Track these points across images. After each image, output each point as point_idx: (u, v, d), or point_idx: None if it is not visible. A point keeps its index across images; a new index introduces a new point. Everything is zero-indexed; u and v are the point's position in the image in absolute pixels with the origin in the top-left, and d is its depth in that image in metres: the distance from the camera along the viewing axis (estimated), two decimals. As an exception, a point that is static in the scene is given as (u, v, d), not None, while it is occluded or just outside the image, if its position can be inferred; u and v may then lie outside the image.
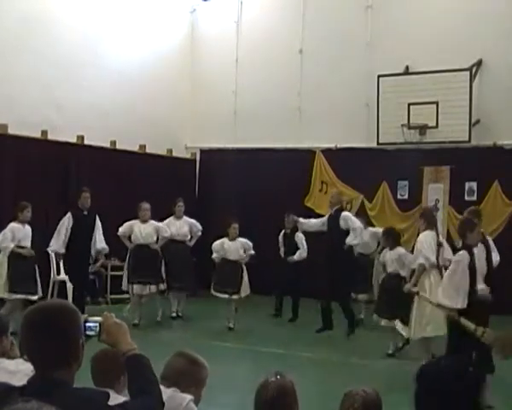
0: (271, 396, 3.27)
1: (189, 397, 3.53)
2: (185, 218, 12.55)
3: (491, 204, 13.52)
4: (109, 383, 3.45)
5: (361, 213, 13.43)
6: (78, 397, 2.43)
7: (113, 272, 13.74)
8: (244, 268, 11.76)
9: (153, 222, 11.99)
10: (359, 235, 10.98)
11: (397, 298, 8.90)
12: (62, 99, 13.39)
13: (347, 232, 10.90)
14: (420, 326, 8.47)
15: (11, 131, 12.58)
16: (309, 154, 15.26)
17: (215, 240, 12.00)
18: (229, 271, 11.60)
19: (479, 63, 13.75)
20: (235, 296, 11.58)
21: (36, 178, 12.75)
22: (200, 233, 12.60)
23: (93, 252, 11.69)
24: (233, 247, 11.71)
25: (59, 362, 2.46)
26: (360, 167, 14.37)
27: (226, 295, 11.59)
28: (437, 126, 13.63)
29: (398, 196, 14.49)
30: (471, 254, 7.03)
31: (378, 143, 14.30)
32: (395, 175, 14.34)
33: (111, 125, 14.31)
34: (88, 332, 2.66)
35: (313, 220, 11.62)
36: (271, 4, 16.05)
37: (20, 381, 2.62)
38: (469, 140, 13.49)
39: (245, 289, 11.67)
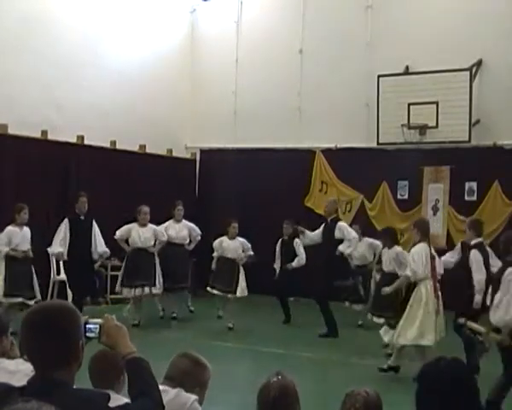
0: (273, 396, 3.28)
1: (193, 397, 3.56)
2: (184, 221, 12.54)
3: (491, 204, 13.52)
4: (108, 383, 3.45)
5: (359, 219, 13.45)
6: (78, 398, 2.43)
7: (113, 272, 13.74)
8: (241, 269, 11.74)
9: (151, 226, 11.97)
10: (353, 245, 11.14)
11: (391, 298, 8.88)
12: (62, 99, 13.39)
13: (342, 241, 11.09)
14: (405, 333, 8.43)
15: (11, 131, 12.58)
16: (309, 154, 15.26)
17: (215, 240, 12.02)
18: (226, 269, 11.63)
19: (479, 63, 13.74)
20: (230, 295, 11.54)
21: (36, 178, 12.75)
22: (199, 238, 12.57)
23: (95, 256, 11.62)
24: (232, 245, 11.76)
25: (59, 362, 2.46)
26: (360, 167, 14.37)
27: (221, 293, 11.57)
28: (437, 126, 13.63)
29: (398, 196, 14.49)
30: None
31: (378, 143, 14.30)
32: (395, 175, 14.34)
33: (111, 125, 14.31)
34: (88, 334, 2.66)
35: (312, 234, 11.55)
36: (271, 4, 16.05)
37: (19, 381, 2.62)
38: (469, 140, 13.49)
39: (242, 290, 11.63)
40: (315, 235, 11.49)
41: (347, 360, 9.68)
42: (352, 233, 11.09)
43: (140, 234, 11.80)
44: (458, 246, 9.80)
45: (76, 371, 2.53)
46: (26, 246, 10.75)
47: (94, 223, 11.48)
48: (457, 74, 13.49)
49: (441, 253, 13.27)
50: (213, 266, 12.07)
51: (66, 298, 11.81)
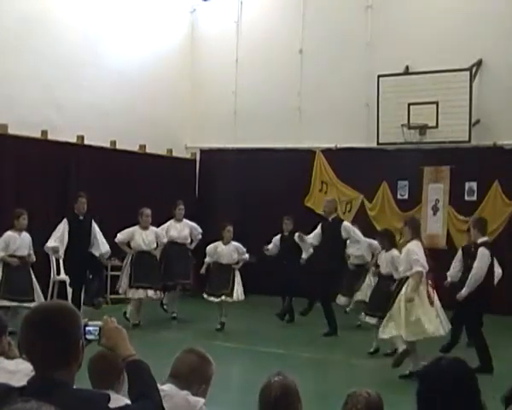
0: (275, 396, 3.29)
1: (202, 401, 3.57)
2: (185, 221, 12.55)
3: (491, 204, 13.52)
4: (108, 383, 3.45)
5: (359, 218, 13.44)
6: (78, 398, 2.43)
7: (113, 272, 13.74)
8: (238, 273, 11.70)
9: (153, 228, 11.97)
10: (363, 247, 11.29)
11: (387, 300, 8.87)
12: (62, 99, 13.39)
13: (345, 241, 11.11)
14: (411, 329, 8.45)
15: (11, 131, 12.57)
16: (309, 154, 15.26)
17: (215, 240, 11.99)
18: (221, 274, 11.56)
19: (479, 63, 13.74)
20: (227, 299, 11.46)
21: (36, 178, 12.75)
22: (200, 237, 12.59)
23: (97, 255, 11.64)
24: (226, 250, 11.66)
25: (59, 363, 2.46)
26: (360, 167, 14.37)
27: (217, 299, 11.48)
28: (437, 126, 13.63)
29: (398, 196, 14.48)
30: None
31: (378, 143, 14.30)
32: (395, 175, 14.34)
33: (111, 125, 14.30)
34: (88, 336, 2.66)
35: (311, 236, 11.54)
36: (271, 4, 16.05)
37: (19, 381, 2.62)
38: (469, 140, 13.49)
39: (238, 294, 11.57)
40: (312, 238, 11.47)
41: (347, 360, 9.69)
42: (361, 235, 11.16)
43: (144, 237, 11.79)
44: (459, 253, 9.79)
45: (76, 372, 2.53)
46: (24, 251, 10.72)
47: (93, 223, 11.48)
48: (457, 74, 13.49)
49: (441, 253, 13.36)
50: (203, 270, 11.97)
51: (66, 298, 11.80)
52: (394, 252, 9.56)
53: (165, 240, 12.11)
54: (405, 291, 8.43)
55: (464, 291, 8.67)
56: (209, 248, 11.86)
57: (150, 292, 11.67)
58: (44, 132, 13.21)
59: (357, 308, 11.76)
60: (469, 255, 9.05)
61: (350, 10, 15.00)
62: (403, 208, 14.28)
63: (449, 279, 9.71)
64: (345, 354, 9.96)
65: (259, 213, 14.88)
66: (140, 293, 11.63)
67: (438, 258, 12.37)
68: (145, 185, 14.44)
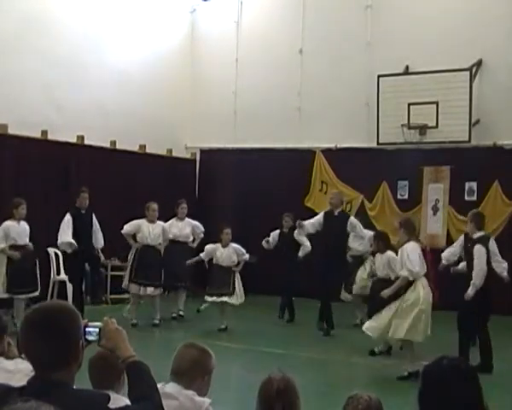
0: (277, 389, 3.28)
1: (207, 401, 3.60)
2: (188, 219, 12.55)
3: (491, 204, 13.52)
4: (108, 383, 3.46)
5: (360, 214, 13.42)
6: (77, 398, 2.43)
7: (113, 272, 13.75)
8: (238, 275, 11.67)
9: (160, 223, 11.96)
10: (366, 244, 11.27)
11: (386, 301, 8.86)
12: (62, 99, 13.39)
13: (348, 235, 11.13)
14: (399, 328, 8.46)
15: (11, 131, 12.58)
16: (309, 154, 15.26)
17: (215, 241, 11.98)
18: (221, 275, 11.52)
19: (479, 63, 13.75)
20: (228, 299, 11.39)
21: (36, 178, 12.75)
22: (202, 235, 12.58)
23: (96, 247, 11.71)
24: (225, 254, 11.62)
25: (59, 363, 2.46)
26: (360, 167, 14.37)
27: (218, 299, 11.45)
28: (437, 126, 13.63)
29: (398, 196, 14.49)
30: None
31: (378, 143, 14.30)
32: (395, 175, 14.34)
33: (111, 125, 14.31)
34: (88, 337, 2.66)
35: (310, 222, 11.52)
36: (271, 4, 16.05)
37: (19, 381, 2.62)
38: (469, 140, 13.49)
39: (238, 296, 11.51)
40: (312, 224, 11.39)
41: (347, 359, 9.68)
42: (364, 230, 11.17)
43: (150, 230, 11.77)
44: (461, 238, 9.69)
45: (76, 372, 2.53)
46: (25, 240, 10.71)
47: (94, 216, 11.51)
48: (457, 74, 13.49)
49: (441, 253, 13.34)
50: (209, 274, 11.91)
51: (67, 298, 11.81)
52: (390, 254, 9.53)
53: (170, 235, 12.10)
54: (411, 292, 8.43)
55: (470, 290, 8.62)
56: (208, 246, 11.85)
57: (149, 289, 11.65)
58: (44, 132, 13.22)
59: (356, 302, 11.82)
60: (467, 249, 9.02)
61: (350, 10, 15.01)
62: (403, 208, 14.28)
63: (444, 262, 9.61)
64: (345, 354, 9.95)
65: (259, 213, 14.88)
66: (135, 288, 11.61)
67: (438, 258, 12.45)
68: (145, 185, 14.45)
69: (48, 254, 12.38)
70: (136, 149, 15.09)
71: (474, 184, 13.79)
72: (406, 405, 5.75)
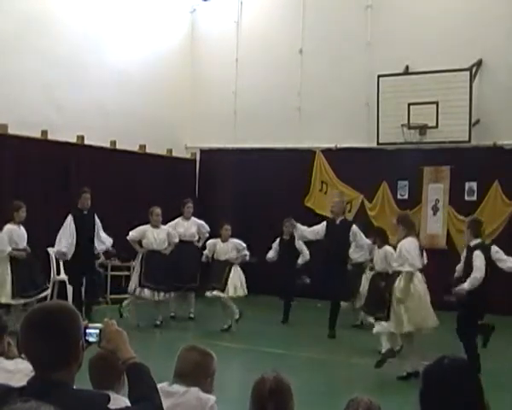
0: (269, 388, 3.28)
1: (213, 398, 3.62)
2: (193, 219, 12.56)
3: (491, 204, 13.52)
4: (109, 383, 3.46)
5: (359, 218, 13.44)
6: (77, 398, 2.43)
7: (113, 272, 13.75)
8: (238, 268, 11.67)
9: (164, 228, 11.93)
10: (366, 252, 11.22)
11: (384, 297, 8.88)
12: (62, 99, 13.39)
13: (350, 244, 11.15)
14: (401, 323, 8.48)
15: (11, 131, 12.58)
16: (309, 154, 15.26)
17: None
18: (217, 270, 11.56)
19: (479, 63, 13.74)
20: (218, 293, 11.41)
21: (36, 178, 12.75)
22: (208, 234, 12.53)
23: (100, 248, 11.68)
24: (224, 248, 11.67)
25: (59, 363, 2.46)
26: (360, 167, 14.37)
27: (210, 294, 11.47)
28: (437, 126, 13.63)
29: (398, 196, 14.48)
30: None
31: (378, 143, 14.30)
32: (395, 175, 14.34)
33: (111, 125, 14.31)
34: (88, 338, 2.66)
35: (309, 229, 11.49)
36: (271, 4, 16.05)
37: (19, 381, 2.62)
38: (469, 140, 13.49)
39: (235, 290, 11.49)
40: (310, 232, 11.41)
41: (348, 360, 9.69)
42: (365, 240, 11.13)
43: (155, 236, 11.75)
44: (464, 253, 9.72)
45: (76, 372, 2.53)
46: (23, 244, 10.68)
47: (96, 217, 11.50)
48: (457, 74, 13.49)
49: (441, 253, 13.36)
50: (204, 258, 11.99)
51: (67, 298, 11.81)
52: (387, 248, 9.62)
53: (176, 240, 12.03)
54: (398, 285, 8.44)
55: (466, 285, 8.56)
56: (209, 242, 11.97)
57: (157, 294, 11.62)
58: (44, 132, 13.22)
59: (358, 312, 11.79)
60: (467, 257, 9.00)
61: (350, 10, 15.00)
62: (403, 208, 14.22)
63: (456, 275, 9.63)
64: (345, 354, 9.95)
65: (259, 213, 14.89)
66: (147, 293, 11.57)
67: (438, 258, 12.45)
68: (145, 185, 14.46)
69: (48, 254, 12.38)
70: (136, 149, 15.09)
71: (474, 184, 13.79)
72: (406, 405, 5.75)
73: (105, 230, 11.75)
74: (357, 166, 14.43)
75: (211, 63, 16.28)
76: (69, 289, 12.18)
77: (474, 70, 13.60)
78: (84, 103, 13.80)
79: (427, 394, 2.68)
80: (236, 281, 11.53)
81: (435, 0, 14.45)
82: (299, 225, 11.41)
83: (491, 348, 8.88)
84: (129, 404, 2.65)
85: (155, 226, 11.79)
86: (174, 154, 16.15)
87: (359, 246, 11.29)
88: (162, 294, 11.62)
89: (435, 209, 14.13)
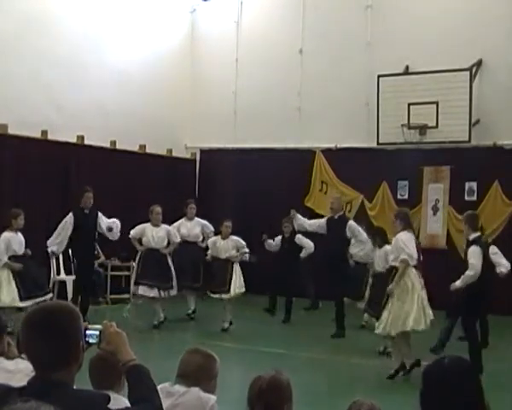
0: (260, 387, 3.29)
1: (214, 398, 3.64)
2: (197, 219, 12.55)
3: (491, 204, 13.52)
4: (109, 384, 3.46)
5: (359, 218, 13.43)
6: (77, 398, 2.43)
7: (113, 272, 13.75)
8: (237, 266, 11.66)
9: (164, 226, 11.89)
10: (366, 248, 11.12)
11: (384, 297, 8.87)
12: (62, 99, 13.39)
13: (349, 240, 11.08)
14: (396, 323, 8.48)
15: (11, 131, 12.58)
16: (309, 154, 15.26)
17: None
18: (218, 270, 11.56)
19: (479, 63, 13.74)
20: (225, 296, 11.44)
21: (36, 178, 12.75)
22: (212, 235, 12.48)
23: (112, 237, 11.66)
24: (224, 245, 11.68)
25: (59, 363, 2.46)
26: (360, 167, 14.37)
27: (216, 296, 11.51)
28: (437, 126, 13.63)
29: (398, 196, 14.48)
30: None
31: (378, 143, 14.30)
32: (395, 175, 14.34)
33: (111, 125, 14.31)
34: (88, 339, 2.66)
35: (309, 221, 11.54)
36: (271, 4, 16.05)
37: (19, 381, 2.62)
38: (469, 140, 13.49)
39: (236, 287, 11.47)
40: (311, 224, 11.44)
41: (348, 360, 9.68)
42: (364, 235, 11.12)
43: (153, 234, 11.71)
44: (465, 247, 9.69)
45: (76, 372, 2.53)
46: (21, 250, 10.62)
47: (99, 214, 11.44)
48: (457, 74, 13.49)
49: (441, 253, 13.36)
50: (208, 268, 12.00)
51: (67, 298, 11.81)
52: (388, 248, 9.60)
53: (177, 240, 11.98)
54: (401, 285, 8.44)
55: (458, 283, 8.54)
56: (209, 241, 11.99)
57: (154, 292, 11.62)
58: (44, 132, 13.22)
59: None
60: (466, 252, 9.01)
61: (350, 10, 15.00)
62: (403, 208, 14.26)
63: None
64: (345, 354, 9.95)
65: (259, 213, 14.89)
66: (143, 290, 11.56)
67: (438, 258, 12.46)
68: (145, 185, 14.45)
69: (48, 254, 12.36)
70: (136, 149, 15.09)
71: (474, 184, 13.79)
72: (406, 405, 5.76)
73: (105, 230, 11.73)
74: (357, 166, 14.43)
75: (211, 63, 16.28)
76: (69, 288, 12.16)
77: (474, 70, 13.60)
78: (84, 103, 13.80)
79: (428, 394, 2.68)
80: (237, 279, 11.57)
81: (435, 0, 14.45)
82: (298, 216, 11.50)
83: (492, 348, 8.89)
84: (129, 404, 2.65)
85: (155, 225, 11.78)
86: (174, 154, 16.15)
87: (359, 241, 11.25)
88: (156, 290, 11.53)
89: (435, 209, 14.13)
